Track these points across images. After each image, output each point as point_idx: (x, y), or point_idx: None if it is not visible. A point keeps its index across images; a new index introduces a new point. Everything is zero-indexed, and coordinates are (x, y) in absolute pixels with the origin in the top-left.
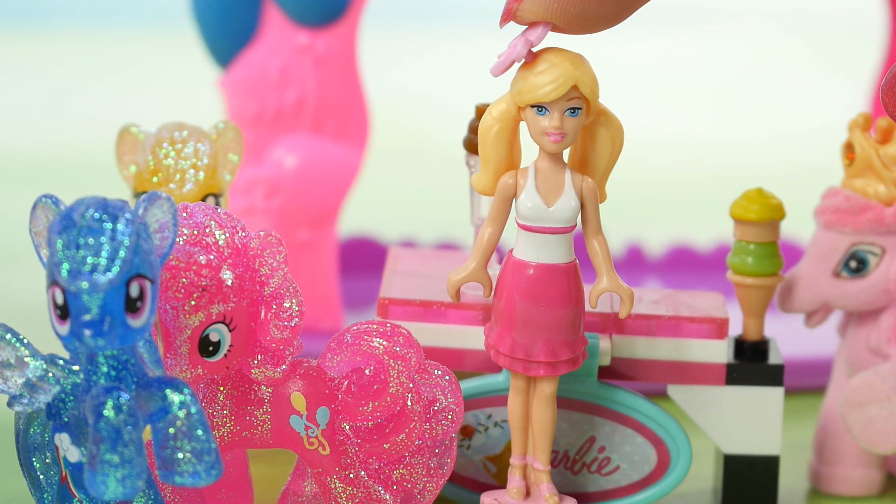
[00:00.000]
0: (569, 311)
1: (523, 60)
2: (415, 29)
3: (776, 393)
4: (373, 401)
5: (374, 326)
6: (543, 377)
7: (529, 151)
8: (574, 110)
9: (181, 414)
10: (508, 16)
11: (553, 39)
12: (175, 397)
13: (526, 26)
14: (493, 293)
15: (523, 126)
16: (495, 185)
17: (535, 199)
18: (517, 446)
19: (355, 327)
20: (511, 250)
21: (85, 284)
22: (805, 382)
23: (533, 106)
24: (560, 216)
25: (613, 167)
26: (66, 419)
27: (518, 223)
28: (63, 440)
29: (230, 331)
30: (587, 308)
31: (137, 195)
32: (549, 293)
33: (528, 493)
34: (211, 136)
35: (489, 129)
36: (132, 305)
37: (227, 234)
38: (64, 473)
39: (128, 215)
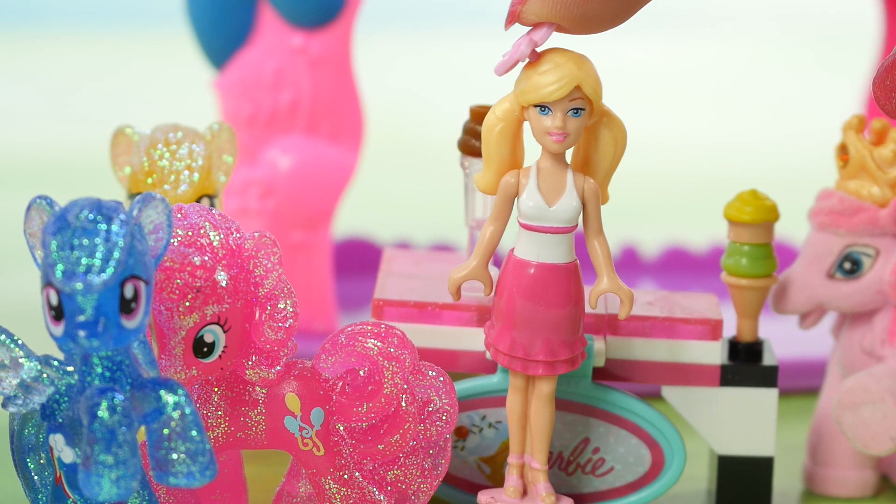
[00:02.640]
0: (568, 310)
1: (527, 60)
2: (409, 31)
3: (770, 394)
4: (367, 402)
5: (369, 327)
6: (542, 376)
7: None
8: (577, 111)
9: (175, 415)
10: (513, 18)
11: (556, 40)
12: (169, 398)
13: (530, 27)
14: (493, 292)
15: (527, 125)
16: (497, 183)
17: (536, 199)
18: (515, 445)
19: (350, 328)
20: (512, 249)
21: (79, 285)
22: (799, 384)
23: (536, 105)
24: (561, 216)
25: (616, 169)
26: (60, 420)
27: (519, 222)
28: (57, 441)
29: (224, 332)
30: (587, 309)
31: (132, 196)
32: (549, 293)
33: (524, 493)
34: (205, 138)
35: (492, 128)
36: (126, 306)
37: (222, 236)
38: (58, 474)
39: (122, 216)
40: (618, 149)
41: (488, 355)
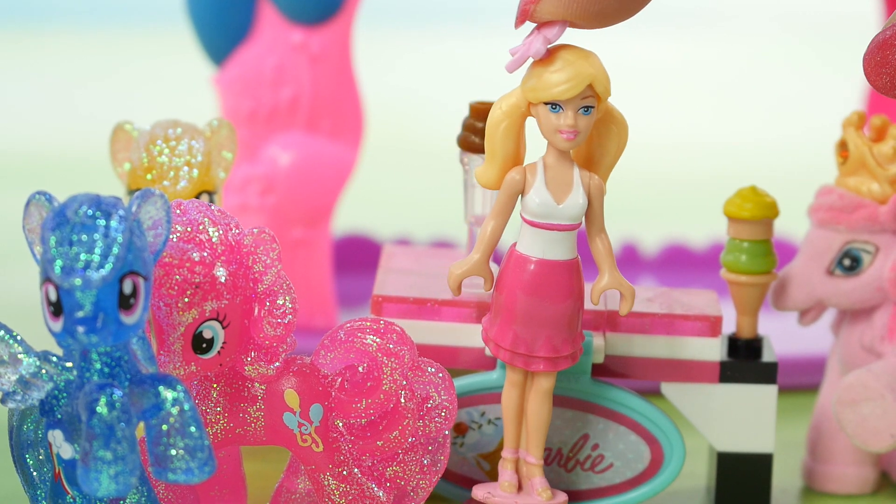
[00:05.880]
0: (570, 306)
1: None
2: (409, 27)
3: (770, 391)
4: (366, 398)
5: (368, 324)
6: (542, 372)
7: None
8: (587, 108)
9: (174, 411)
10: (525, 16)
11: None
12: (168, 394)
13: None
14: (493, 287)
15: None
16: (501, 179)
17: (544, 196)
18: (510, 440)
19: (349, 324)
20: (513, 245)
21: (78, 281)
22: (798, 380)
23: (547, 103)
24: (569, 213)
25: (616, 163)
26: (59, 416)
27: (524, 218)
28: (56, 437)
29: (223, 328)
30: (587, 305)
31: (131, 192)
32: (551, 289)
33: (520, 487)
34: (205, 134)
35: (498, 124)
36: (125, 302)
37: (221, 232)
38: (57, 470)
39: (121, 212)
40: (621, 143)
41: (488, 351)
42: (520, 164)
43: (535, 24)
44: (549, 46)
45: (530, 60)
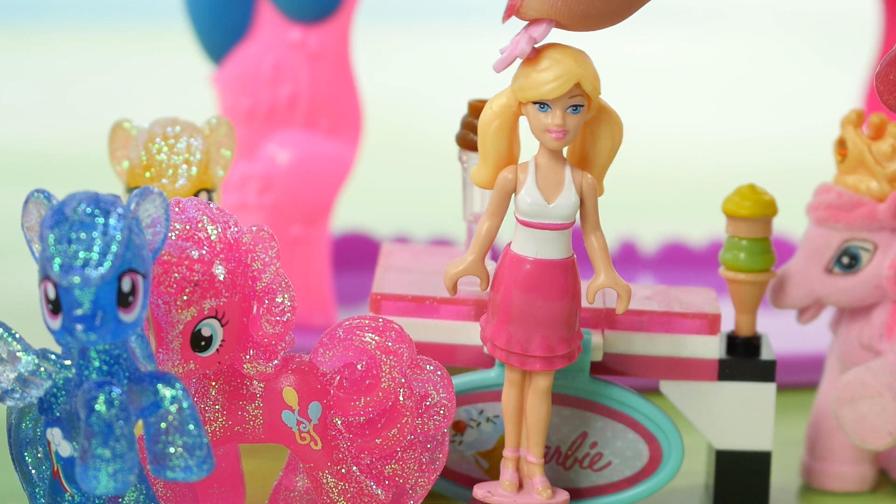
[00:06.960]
0: (565, 305)
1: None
2: (408, 25)
3: (768, 389)
4: (365, 396)
5: (367, 321)
6: (539, 371)
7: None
8: (576, 107)
9: (173, 409)
10: (512, 11)
11: (552, 35)
12: (167, 392)
13: (527, 22)
14: (489, 286)
15: (523, 120)
16: (494, 179)
17: (534, 195)
18: (510, 439)
19: (347, 322)
20: (509, 244)
21: (77, 279)
22: (797, 378)
23: (535, 102)
24: (560, 212)
25: (612, 162)
26: (57, 414)
27: (517, 218)
28: (55, 435)
29: (222, 326)
30: (584, 304)
31: (130, 190)
32: (546, 288)
33: (520, 486)
34: (204, 132)
35: (489, 124)
36: (124, 300)
37: (220, 229)
38: (56, 468)
39: (120, 210)
40: (615, 142)
41: (486, 350)
42: (513, 164)
43: (523, 22)
44: (536, 45)
45: (520, 60)
